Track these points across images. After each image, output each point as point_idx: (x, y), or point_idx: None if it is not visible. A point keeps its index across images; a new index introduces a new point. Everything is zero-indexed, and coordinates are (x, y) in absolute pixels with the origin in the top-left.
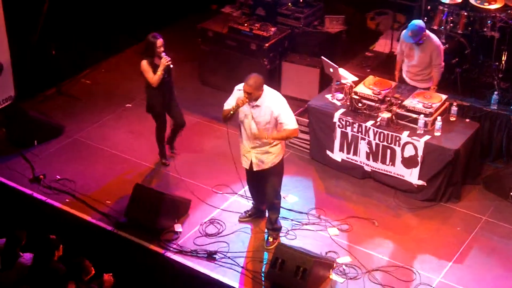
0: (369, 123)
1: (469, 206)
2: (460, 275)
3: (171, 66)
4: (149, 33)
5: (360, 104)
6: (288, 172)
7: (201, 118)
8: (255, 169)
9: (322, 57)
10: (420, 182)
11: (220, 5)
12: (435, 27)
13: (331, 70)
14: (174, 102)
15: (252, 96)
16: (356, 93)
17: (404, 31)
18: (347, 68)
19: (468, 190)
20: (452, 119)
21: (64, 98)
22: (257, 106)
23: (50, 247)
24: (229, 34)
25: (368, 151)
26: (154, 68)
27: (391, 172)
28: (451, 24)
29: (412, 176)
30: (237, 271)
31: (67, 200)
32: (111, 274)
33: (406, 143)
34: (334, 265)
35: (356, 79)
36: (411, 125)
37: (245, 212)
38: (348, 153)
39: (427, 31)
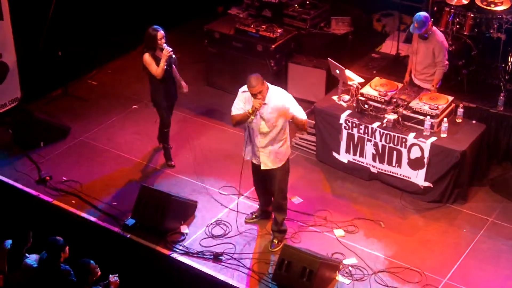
0: (375, 124)
1: (476, 207)
2: (466, 276)
3: (173, 56)
4: (149, 27)
5: (366, 106)
6: (294, 174)
7: (207, 119)
8: (262, 167)
9: (329, 58)
10: (427, 184)
11: (227, 7)
12: (442, 29)
13: (338, 71)
14: (176, 96)
15: (263, 94)
16: (362, 95)
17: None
18: (353, 69)
19: (475, 191)
20: (459, 120)
21: (71, 100)
22: (264, 104)
23: (57, 249)
24: (235, 35)
25: (375, 152)
26: (157, 61)
27: (397, 174)
28: (458, 26)
29: (419, 177)
30: (243, 273)
31: (73, 201)
32: (117, 275)
33: (413, 144)
34: (340, 266)
35: (362, 80)
36: (418, 126)
37: (251, 213)
38: (355, 154)
39: (434, 28)
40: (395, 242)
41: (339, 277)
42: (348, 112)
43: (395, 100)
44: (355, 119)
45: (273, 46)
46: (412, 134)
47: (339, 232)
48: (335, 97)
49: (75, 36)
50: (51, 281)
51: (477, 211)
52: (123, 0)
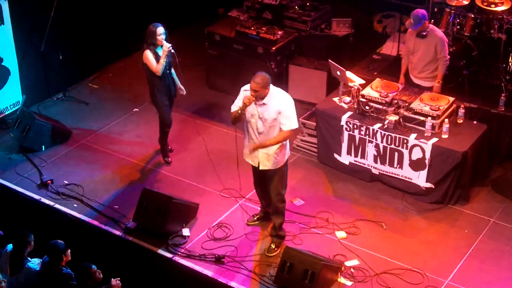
0: (377, 126)
1: (477, 208)
2: (468, 277)
3: (172, 51)
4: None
5: (367, 107)
6: (296, 175)
7: (208, 121)
8: (261, 167)
9: (329, 60)
10: (428, 185)
11: (227, 9)
12: (442, 29)
13: (338, 73)
14: (175, 96)
15: (258, 94)
16: (363, 96)
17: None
18: (354, 71)
19: (476, 192)
20: (460, 121)
21: (72, 103)
22: (264, 104)
23: (58, 252)
24: (236, 37)
25: (376, 154)
26: (158, 58)
27: (399, 175)
28: (458, 26)
29: (420, 178)
30: (245, 275)
31: (75, 205)
32: (119, 279)
33: (414, 145)
34: (342, 268)
35: (363, 82)
36: (419, 127)
37: (253, 215)
38: (356, 156)
39: (431, 25)
40: (397, 244)
41: (341, 279)
42: (349, 113)
43: (396, 101)
44: (356, 121)
45: (274, 48)
46: (413, 135)
47: (341, 234)
48: (336, 99)
49: (76, 40)
50: (52, 284)
51: (479, 212)
52: (124, 3)
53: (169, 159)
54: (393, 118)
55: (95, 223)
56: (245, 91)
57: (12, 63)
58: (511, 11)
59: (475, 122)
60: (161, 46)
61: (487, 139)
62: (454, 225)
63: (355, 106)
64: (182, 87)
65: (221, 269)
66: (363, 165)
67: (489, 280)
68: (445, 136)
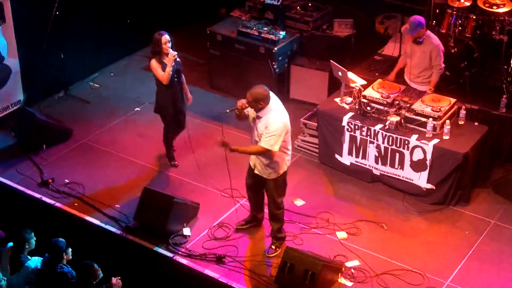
0: (378, 126)
1: (478, 209)
2: (468, 278)
3: (177, 59)
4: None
5: (368, 108)
6: (297, 176)
7: (210, 121)
8: (255, 171)
9: (331, 60)
10: (429, 186)
11: (229, 9)
12: (444, 31)
13: (340, 73)
14: (183, 106)
15: (250, 106)
16: (364, 97)
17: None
18: (355, 71)
19: (477, 193)
20: (461, 122)
21: (73, 102)
22: (258, 117)
23: (59, 251)
24: (238, 38)
25: (377, 154)
26: (164, 66)
27: (400, 176)
28: (460, 28)
29: (421, 179)
30: (246, 275)
31: (75, 204)
32: (119, 277)
33: (415, 146)
34: (343, 268)
35: (364, 82)
36: (420, 128)
37: (243, 220)
38: (357, 156)
39: (429, 31)
40: (398, 244)
41: (342, 280)
42: (350, 114)
43: (397, 102)
44: (357, 121)
45: (276, 48)
46: (414, 136)
47: (341, 234)
48: (337, 99)
49: (78, 39)
50: (53, 282)
51: (480, 213)
52: (126, 2)
53: (176, 162)
54: (394, 119)
55: (96, 222)
56: None
57: (13, 62)
58: None
59: (476, 123)
60: (167, 54)
61: (488, 140)
62: (455, 226)
63: (357, 107)
64: (189, 96)
65: (222, 269)
66: (364, 166)
67: (490, 282)
68: (446, 137)
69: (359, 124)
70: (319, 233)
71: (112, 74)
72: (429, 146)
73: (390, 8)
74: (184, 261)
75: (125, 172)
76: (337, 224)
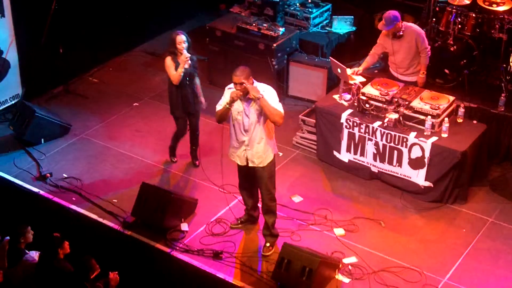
0: (376, 124)
1: (476, 207)
2: (465, 276)
3: (192, 62)
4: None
5: (367, 105)
6: (295, 172)
7: (209, 117)
8: (250, 165)
9: (330, 57)
10: (427, 184)
11: (229, 5)
12: (443, 29)
13: (339, 70)
14: (197, 112)
15: (244, 87)
16: (363, 94)
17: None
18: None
19: (475, 191)
20: (460, 120)
21: (72, 97)
22: (248, 99)
23: (53, 245)
24: (237, 34)
25: (375, 152)
26: (177, 66)
27: (398, 173)
28: (459, 26)
29: (419, 177)
30: (243, 271)
31: (73, 198)
32: (116, 272)
33: (413, 144)
34: (340, 265)
35: (363, 80)
36: (418, 126)
37: (237, 219)
38: (355, 154)
39: (404, 22)
40: (395, 242)
41: (339, 276)
42: (349, 111)
43: (396, 99)
44: (356, 118)
45: (275, 44)
46: (413, 134)
47: (339, 231)
48: (336, 96)
49: (77, 33)
50: (50, 276)
51: (477, 211)
52: None
53: (175, 158)
54: (393, 116)
55: (94, 216)
56: (229, 89)
57: (12, 56)
58: None
59: (474, 121)
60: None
61: (487, 139)
62: (452, 224)
63: (355, 104)
64: (203, 100)
65: (219, 265)
66: (363, 163)
67: (487, 279)
68: (444, 135)
69: (358, 121)
70: (316, 229)
71: (111, 69)
72: (427, 144)
73: (389, 5)
74: (181, 256)
75: (123, 167)
76: (334, 221)
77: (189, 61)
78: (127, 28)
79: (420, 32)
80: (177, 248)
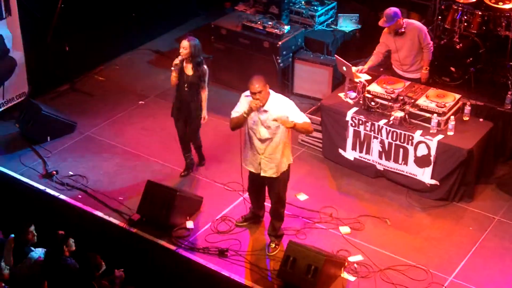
0: (382, 122)
1: (482, 206)
2: (472, 275)
3: (194, 74)
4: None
5: (373, 103)
6: (300, 170)
7: (214, 115)
8: (262, 174)
9: (336, 55)
10: (433, 182)
11: (234, 3)
12: (449, 26)
13: (344, 68)
14: (193, 122)
15: (263, 96)
16: (369, 92)
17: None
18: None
19: (481, 189)
20: (466, 118)
21: (77, 95)
22: (264, 111)
23: (58, 242)
24: (242, 32)
25: (381, 150)
26: (181, 68)
27: (403, 171)
28: (465, 24)
29: (425, 175)
30: (248, 269)
31: (79, 196)
32: (122, 270)
33: (419, 142)
34: (346, 263)
35: (369, 77)
36: (424, 124)
37: (241, 216)
38: (361, 152)
39: (405, 19)
40: (401, 240)
41: (345, 274)
42: (354, 109)
43: (402, 97)
44: (361, 116)
45: (280, 42)
46: (418, 132)
47: (344, 229)
48: (341, 94)
49: (83, 31)
50: (56, 274)
51: (484, 209)
52: None
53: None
54: (398, 114)
55: (100, 214)
56: (246, 96)
57: (19, 54)
58: None
59: (481, 119)
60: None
61: (493, 137)
62: (459, 222)
63: (361, 102)
64: (204, 113)
65: (224, 262)
66: (368, 161)
67: (493, 278)
68: (450, 133)
69: (363, 119)
70: (322, 227)
71: (117, 67)
72: (433, 142)
73: (395, 3)
74: (186, 254)
75: (128, 165)
76: (340, 219)
77: (195, 73)
78: (133, 26)
79: (422, 28)
80: (183, 245)
